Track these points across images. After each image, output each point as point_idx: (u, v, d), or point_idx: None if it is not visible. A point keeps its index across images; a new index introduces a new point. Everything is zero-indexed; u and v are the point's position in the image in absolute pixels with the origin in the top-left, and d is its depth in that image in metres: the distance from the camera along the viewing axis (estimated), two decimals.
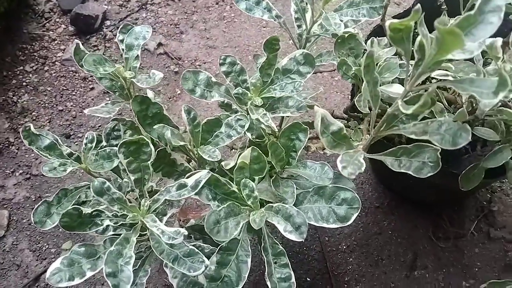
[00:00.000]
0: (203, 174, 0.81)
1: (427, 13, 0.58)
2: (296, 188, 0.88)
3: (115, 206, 0.80)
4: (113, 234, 0.81)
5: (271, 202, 0.85)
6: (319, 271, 1.37)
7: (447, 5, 1.07)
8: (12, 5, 1.82)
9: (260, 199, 0.84)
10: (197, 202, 1.42)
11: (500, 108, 0.86)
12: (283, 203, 0.84)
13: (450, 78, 0.79)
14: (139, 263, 0.88)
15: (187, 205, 1.41)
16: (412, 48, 0.61)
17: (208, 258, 0.79)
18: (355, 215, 0.81)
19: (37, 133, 0.92)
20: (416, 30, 0.58)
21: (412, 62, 0.62)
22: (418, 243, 1.40)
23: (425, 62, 0.59)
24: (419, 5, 0.56)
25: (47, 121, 1.67)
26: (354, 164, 0.74)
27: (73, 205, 0.89)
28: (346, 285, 1.34)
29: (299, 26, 1.07)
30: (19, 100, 1.70)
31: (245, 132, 0.91)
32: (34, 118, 1.67)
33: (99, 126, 1.65)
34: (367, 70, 0.70)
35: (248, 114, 0.93)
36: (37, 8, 1.94)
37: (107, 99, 1.71)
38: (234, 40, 1.87)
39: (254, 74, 0.97)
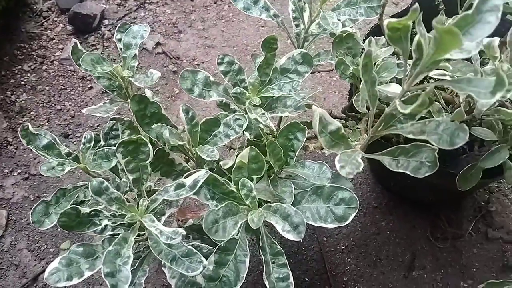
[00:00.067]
0: (202, 174, 0.81)
1: (425, 12, 0.58)
2: (294, 188, 0.88)
3: (113, 206, 0.80)
4: (111, 234, 0.81)
5: (269, 202, 0.85)
6: (317, 271, 1.37)
7: (445, 5, 1.07)
8: (10, 4, 1.82)
9: (258, 198, 0.84)
10: (196, 202, 1.42)
11: (498, 108, 0.86)
12: (281, 202, 0.84)
13: (447, 77, 0.78)
14: (138, 263, 0.88)
15: (185, 205, 1.41)
16: (410, 48, 0.61)
17: (206, 258, 0.79)
18: (353, 215, 0.81)
19: (35, 132, 0.92)
20: (414, 30, 0.58)
21: (410, 61, 0.62)
22: (416, 244, 1.40)
23: (423, 62, 0.59)
24: (417, 4, 0.56)
25: (46, 120, 1.66)
26: (352, 163, 0.74)
27: (71, 204, 0.89)
28: (344, 285, 1.34)
29: (297, 26, 1.07)
30: (17, 100, 1.70)
31: (243, 131, 0.91)
32: (33, 117, 1.67)
33: (98, 126, 1.65)
34: (365, 70, 0.70)
35: (246, 113, 0.93)
36: (35, 7, 1.93)
37: (106, 98, 1.71)
38: (232, 39, 1.87)
39: (252, 73, 0.97)
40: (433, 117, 0.87)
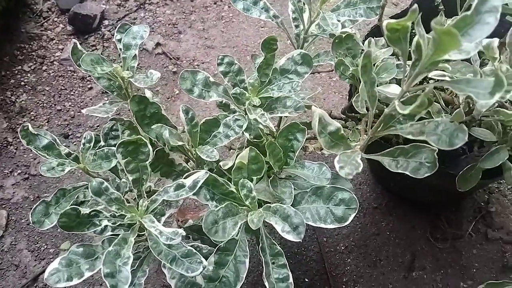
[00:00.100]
0: (201, 174, 0.81)
1: (424, 13, 0.58)
2: (294, 189, 0.88)
3: (113, 206, 0.80)
4: (111, 235, 0.81)
5: (269, 203, 0.85)
6: (317, 272, 1.37)
7: (444, 6, 1.07)
8: (10, 4, 1.82)
9: (258, 199, 0.84)
10: (196, 203, 1.43)
11: (497, 108, 0.86)
12: (281, 203, 0.84)
13: (447, 78, 0.79)
14: (137, 264, 0.88)
15: (185, 206, 1.41)
16: (409, 49, 0.61)
17: (206, 258, 0.79)
18: (353, 215, 0.81)
19: (35, 132, 0.92)
20: (414, 31, 0.58)
21: (409, 62, 0.62)
22: (416, 244, 1.40)
23: (422, 63, 0.59)
24: (416, 5, 0.56)
25: (46, 120, 1.66)
26: (351, 164, 0.74)
27: (71, 205, 0.89)
28: (344, 286, 1.34)
29: (296, 26, 1.08)
30: (17, 100, 1.70)
31: (243, 132, 0.91)
32: (33, 117, 1.67)
33: (98, 126, 1.65)
34: (364, 71, 0.71)
35: (246, 114, 0.93)
36: (35, 7, 1.93)
37: (105, 99, 1.71)
38: (232, 40, 1.87)
39: (252, 74, 0.97)
40: (433, 117, 0.87)
